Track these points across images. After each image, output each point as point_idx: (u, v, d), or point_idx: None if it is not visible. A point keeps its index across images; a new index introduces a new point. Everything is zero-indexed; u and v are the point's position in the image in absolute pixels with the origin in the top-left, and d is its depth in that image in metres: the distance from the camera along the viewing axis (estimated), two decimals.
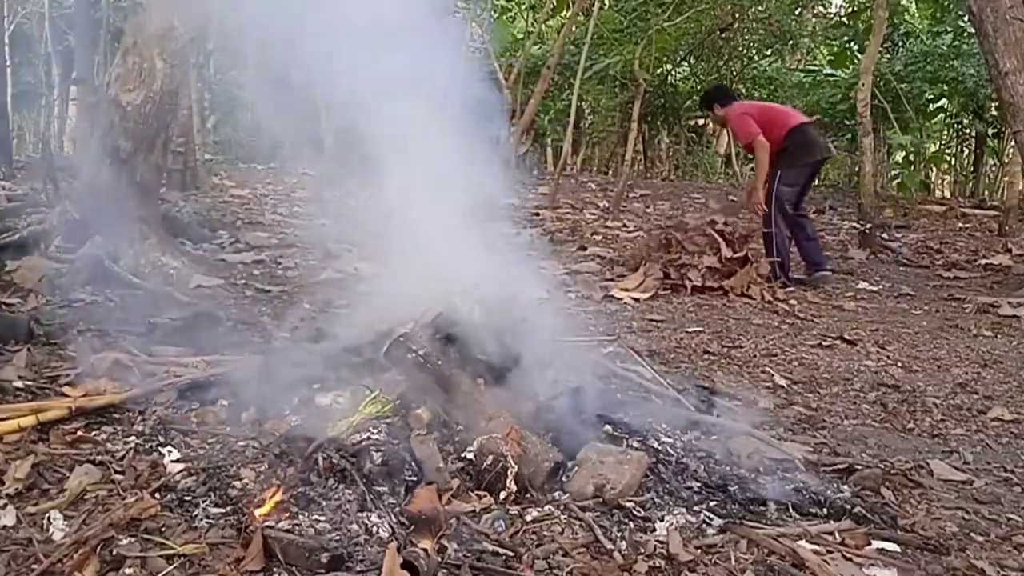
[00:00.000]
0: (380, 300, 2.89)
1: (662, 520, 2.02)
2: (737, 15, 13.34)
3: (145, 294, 4.26)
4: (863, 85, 7.95)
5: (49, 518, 1.84)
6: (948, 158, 15.55)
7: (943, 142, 15.82)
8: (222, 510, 1.92)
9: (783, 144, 6.08)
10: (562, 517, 2.00)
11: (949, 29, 12.10)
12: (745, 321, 4.79)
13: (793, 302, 5.39)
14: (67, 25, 12.59)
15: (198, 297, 4.30)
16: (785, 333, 4.53)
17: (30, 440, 2.22)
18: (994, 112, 12.63)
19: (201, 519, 1.87)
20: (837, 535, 2.03)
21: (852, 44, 13.53)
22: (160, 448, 2.25)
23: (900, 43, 13.23)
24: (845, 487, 2.32)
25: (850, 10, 14.15)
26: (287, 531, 1.77)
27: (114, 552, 1.70)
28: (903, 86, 11.85)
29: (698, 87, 14.99)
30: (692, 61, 14.82)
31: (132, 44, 4.72)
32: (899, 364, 3.98)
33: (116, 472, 2.09)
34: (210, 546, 1.76)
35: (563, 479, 2.17)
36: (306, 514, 1.87)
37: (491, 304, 2.54)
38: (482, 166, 2.81)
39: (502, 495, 2.05)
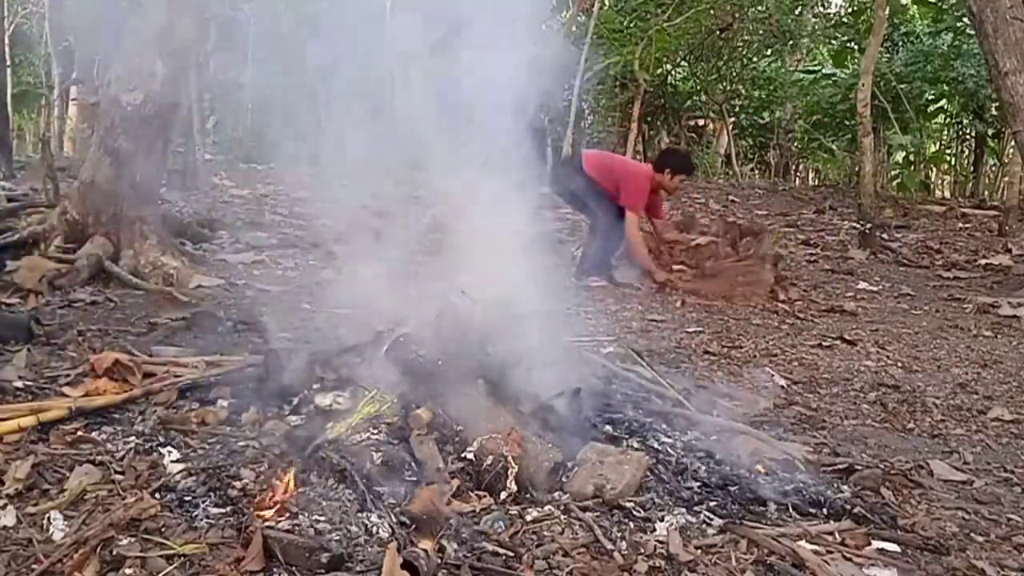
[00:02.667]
0: (380, 300, 2.88)
1: (662, 520, 2.02)
2: (737, 15, 13.33)
3: (145, 294, 4.26)
4: (863, 85, 7.96)
5: (49, 518, 1.83)
6: (948, 158, 15.54)
7: (943, 142, 15.81)
8: (222, 510, 1.91)
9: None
10: (562, 517, 2.00)
11: (949, 29, 12.10)
12: (745, 321, 4.79)
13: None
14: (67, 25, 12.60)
15: (198, 297, 4.30)
16: (785, 333, 4.53)
17: (30, 440, 2.21)
18: (994, 112, 12.63)
19: (201, 519, 1.87)
20: (837, 535, 2.03)
21: (852, 44, 13.53)
22: (160, 448, 2.25)
23: (900, 43, 13.24)
24: (845, 487, 2.32)
25: (850, 10, 14.15)
26: (287, 531, 1.76)
27: (114, 552, 1.70)
28: (903, 86, 11.85)
29: (698, 87, 14.99)
30: (692, 61, 14.80)
31: (132, 44, 4.72)
32: (899, 364, 3.98)
33: (116, 472, 2.09)
34: (210, 546, 1.75)
35: (563, 479, 2.16)
36: (306, 514, 1.87)
37: (491, 304, 2.54)
38: (481, 166, 2.81)
39: (502, 495, 2.05)
